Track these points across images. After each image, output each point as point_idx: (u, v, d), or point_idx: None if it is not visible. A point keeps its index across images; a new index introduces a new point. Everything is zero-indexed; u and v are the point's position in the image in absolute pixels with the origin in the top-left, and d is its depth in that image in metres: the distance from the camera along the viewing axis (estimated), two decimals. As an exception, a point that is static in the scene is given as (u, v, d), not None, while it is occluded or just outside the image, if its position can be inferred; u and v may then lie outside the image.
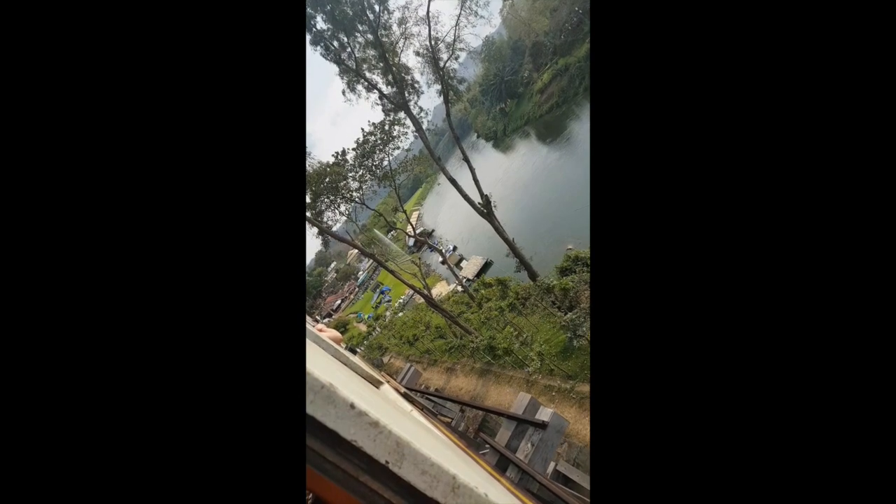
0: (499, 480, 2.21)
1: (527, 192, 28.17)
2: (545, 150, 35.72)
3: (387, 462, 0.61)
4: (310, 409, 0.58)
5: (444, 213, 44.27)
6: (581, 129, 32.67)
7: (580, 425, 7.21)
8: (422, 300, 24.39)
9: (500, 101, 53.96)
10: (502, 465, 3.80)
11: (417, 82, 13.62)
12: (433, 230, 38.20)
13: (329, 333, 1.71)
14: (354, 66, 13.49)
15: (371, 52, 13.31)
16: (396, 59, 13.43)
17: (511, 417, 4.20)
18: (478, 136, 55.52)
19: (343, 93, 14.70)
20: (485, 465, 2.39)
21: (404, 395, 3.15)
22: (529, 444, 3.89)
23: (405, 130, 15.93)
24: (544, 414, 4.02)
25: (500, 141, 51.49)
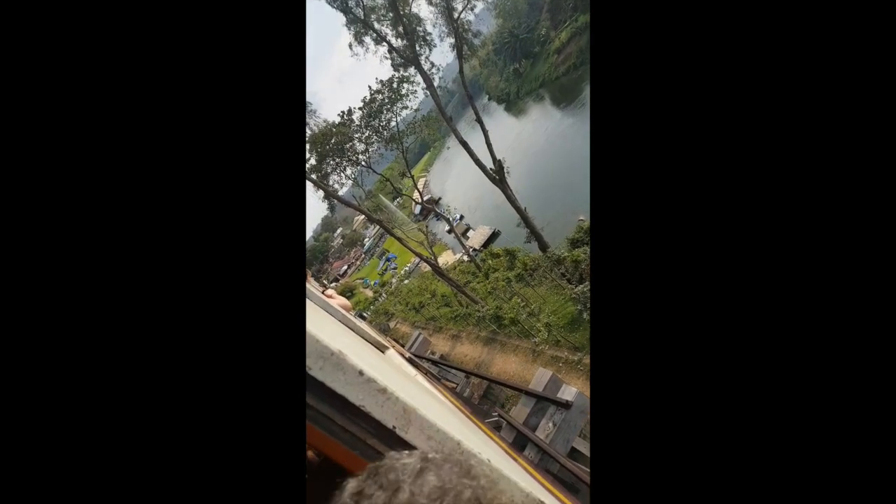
0: (509, 454, 2.12)
1: (538, 160, 27.24)
2: (559, 115, 34.24)
3: (394, 427, 0.63)
4: (319, 376, 0.61)
5: (451, 180, 43.36)
6: (598, 93, 30.98)
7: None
8: (427, 268, 24.28)
9: (515, 61, 51.31)
10: (520, 443, 3.59)
11: (429, 34, 12.67)
12: (440, 198, 37.55)
13: (338, 301, 1.67)
14: (362, 16, 12.53)
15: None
16: (407, 9, 12.43)
17: (530, 394, 3.96)
18: (489, 98, 53.31)
19: (350, 46, 13.79)
20: (488, 431, 2.39)
21: (409, 360, 3.19)
22: (551, 424, 3.66)
23: (414, 89, 15.11)
24: (568, 393, 3.74)
25: (513, 104, 49.41)
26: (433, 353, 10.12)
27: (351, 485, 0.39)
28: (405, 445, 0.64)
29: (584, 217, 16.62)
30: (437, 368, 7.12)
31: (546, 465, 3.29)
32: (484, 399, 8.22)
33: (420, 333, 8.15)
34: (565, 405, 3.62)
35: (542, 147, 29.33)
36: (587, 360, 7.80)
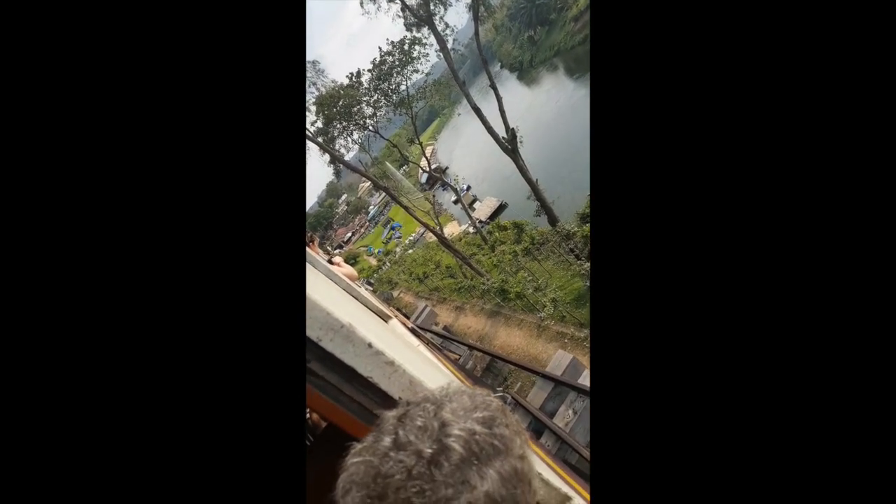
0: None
1: (549, 132, 26.44)
2: (572, 86, 32.97)
3: (400, 398, 0.63)
4: (329, 347, 0.62)
5: (459, 149, 42.43)
6: (615, 64, 29.65)
7: (592, 373, 7.16)
8: (432, 238, 24.14)
9: (529, 28, 48.91)
10: (535, 429, 3.43)
11: (446, -10, 11.92)
12: (447, 167, 36.85)
13: (345, 270, 1.66)
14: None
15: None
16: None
17: (548, 377, 3.79)
18: (501, 66, 51.28)
19: (361, 4, 13.04)
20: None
21: (411, 331, 3.19)
22: (571, 412, 3.48)
23: (426, 52, 14.44)
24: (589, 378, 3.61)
25: (526, 72, 47.56)
26: (436, 325, 10.14)
27: (390, 413, 0.41)
28: None
29: (595, 193, 16.25)
30: (441, 340, 7.07)
31: (564, 454, 3.13)
32: (486, 372, 8.29)
33: (427, 305, 8.03)
34: (587, 392, 3.42)
35: (552, 119, 28.44)
36: (593, 336, 7.80)
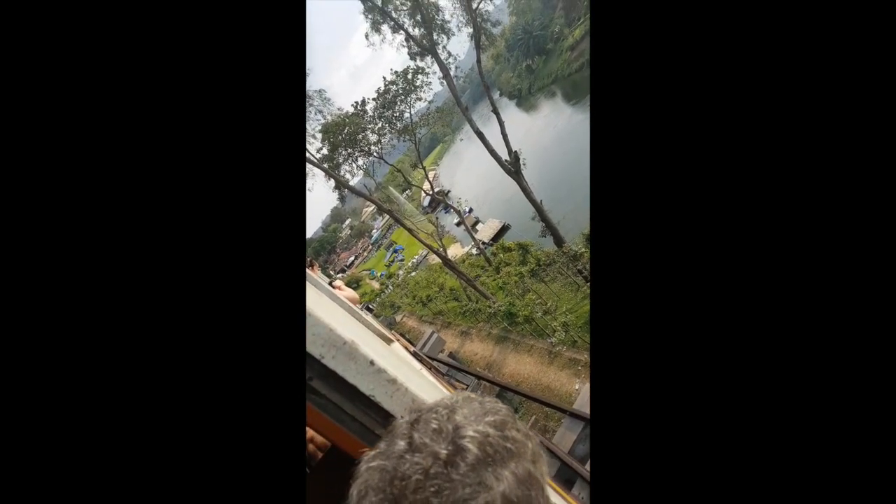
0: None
1: (548, 155, 26.80)
2: (570, 111, 33.70)
3: (402, 417, 0.65)
4: (332, 364, 0.61)
5: (460, 174, 42.98)
6: (612, 90, 30.37)
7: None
8: (435, 260, 24.01)
9: (527, 58, 50.59)
10: (567, 478, 2.84)
11: (448, 21, 12.32)
12: (449, 190, 37.23)
13: (346, 293, 1.62)
14: (380, 2, 12.22)
15: (398, -13, 11.99)
16: (425, -2, 12.09)
17: (577, 416, 3.23)
18: (500, 94, 52.67)
19: (366, 36, 13.48)
20: None
21: (414, 354, 3.13)
22: None
23: (429, 81, 14.80)
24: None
25: (525, 100, 48.81)
26: (442, 351, 9.80)
27: (402, 420, 0.41)
28: None
29: (598, 215, 16.22)
30: (449, 369, 6.72)
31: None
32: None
33: (433, 331, 7.66)
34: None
35: (551, 143, 28.88)
36: (607, 360, 7.51)
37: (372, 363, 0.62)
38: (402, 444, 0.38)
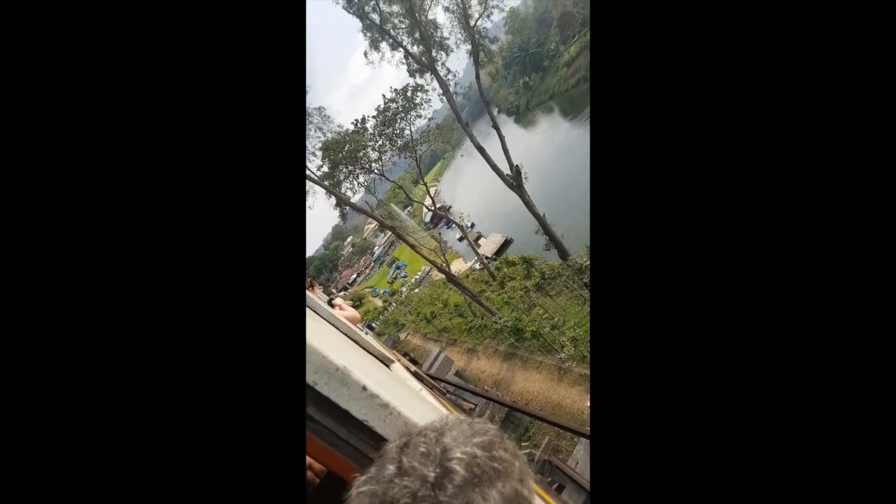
0: None
1: (546, 170, 26.83)
2: (567, 126, 34.02)
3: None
4: (325, 390, 0.63)
5: (461, 189, 43.17)
6: (609, 104, 30.69)
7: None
8: (438, 276, 23.78)
9: (524, 75, 51.53)
10: None
11: (447, 38, 12.47)
12: (450, 206, 37.35)
13: (348, 312, 1.61)
14: (379, 21, 12.40)
15: (397, 6, 12.17)
16: (424, 16, 12.27)
17: None
18: (498, 111, 53.43)
19: (365, 54, 13.65)
20: None
21: (414, 374, 3.15)
22: None
23: (428, 98, 14.94)
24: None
25: (522, 116, 49.45)
26: (459, 375, 9.41)
27: (393, 443, 0.42)
28: None
29: (602, 227, 16.09)
30: (457, 389, 6.40)
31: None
32: (506, 422, 7.61)
33: (441, 351, 7.31)
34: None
35: (550, 158, 29.01)
36: (620, 376, 7.21)
37: (364, 388, 0.63)
38: (391, 468, 0.39)
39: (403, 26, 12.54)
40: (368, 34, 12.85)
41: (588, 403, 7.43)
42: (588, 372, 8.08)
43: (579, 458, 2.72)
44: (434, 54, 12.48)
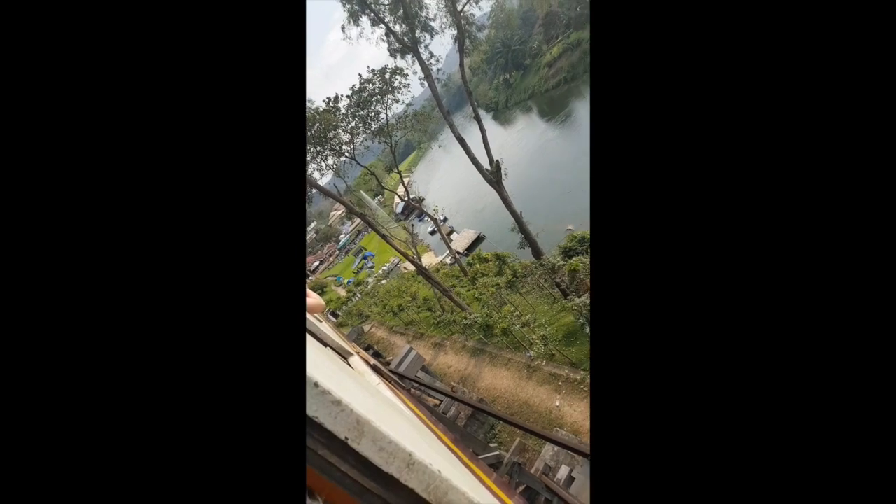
0: (464, 462, 1.93)
1: (521, 169, 26.93)
2: (544, 127, 34.32)
3: (346, 438, 0.64)
4: None
5: (434, 183, 42.66)
6: (584, 109, 31.29)
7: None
8: (407, 269, 23.24)
9: (505, 72, 51.48)
10: None
11: (432, 19, 11.88)
12: (423, 198, 36.77)
13: (312, 300, 1.59)
14: (360, -8, 11.62)
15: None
16: (409, -7, 11.61)
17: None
18: (477, 106, 53.15)
19: (343, 29, 12.79)
20: (444, 437, 2.30)
21: (373, 368, 2.96)
22: None
23: (407, 83, 14.32)
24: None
25: (501, 113, 49.50)
26: (427, 371, 8.98)
27: None
28: (356, 456, 0.66)
29: (573, 227, 16.26)
30: (419, 386, 6.01)
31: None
32: (471, 420, 7.34)
33: (411, 348, 6.82)
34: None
35: (525, 158, 29.08)
36: (591, 379, 7.11)
37: (316, 385, 0.63)
38: None
39: (386, 2, 11.83)
40: (348, 5, 12.02)
41: (556, 403, 7.29)
42: (557, 371, 7.95)
43: (579, 481, 2.41)
44: (417, 35, 11.88)
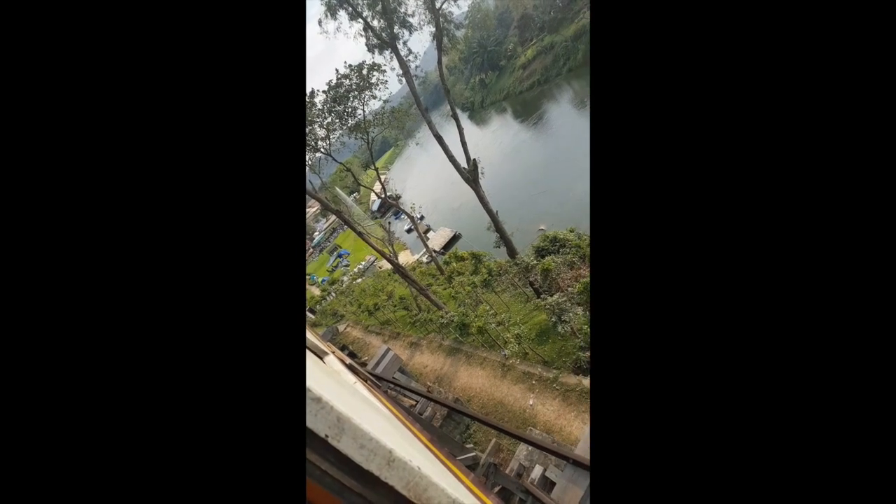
0: (441, 460, 1.90)
1: (494, 170, 27.26)
2: (517, 128, 34.76)
3: (326, 436, 0.64)
4: None
5: (410, 181, 42.43)
6: (556, 111, 31.95)
7: (564, 420, 6.57)
8: (383, 268, 23.00)
9: (481, 72, 51.77)
10: None
11: (411, 15, 11.79)
12: (399, 196, 36.53)
13: None
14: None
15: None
16: (387, -11, 11.48)
17: (582, 465, 2.43)
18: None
19: (319, 22, 12.50)
20: (420, 435, 2.21)
21: (349, 367, 2.94)
22: None
23: (385, 79, 14.18)
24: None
25: (476, 112, 49.79)
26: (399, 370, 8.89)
27: None
28: (336, 454, 0.66)
29: (545, 227, 16.57)
30: (397, 386, 5.96)
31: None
32: (447, 421, 7.38)
33: (389, 349, 6.70)
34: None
35: (499, 158, 29.36)
36: (564, 378, 7.29)
37: None
38: None
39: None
40: (325, -1, 11.76)
41: (530, 402, 7.44)
42: (530, 370, 8.11)
43: (559, 488, 2.40)
44: (396, 31, 11.77)
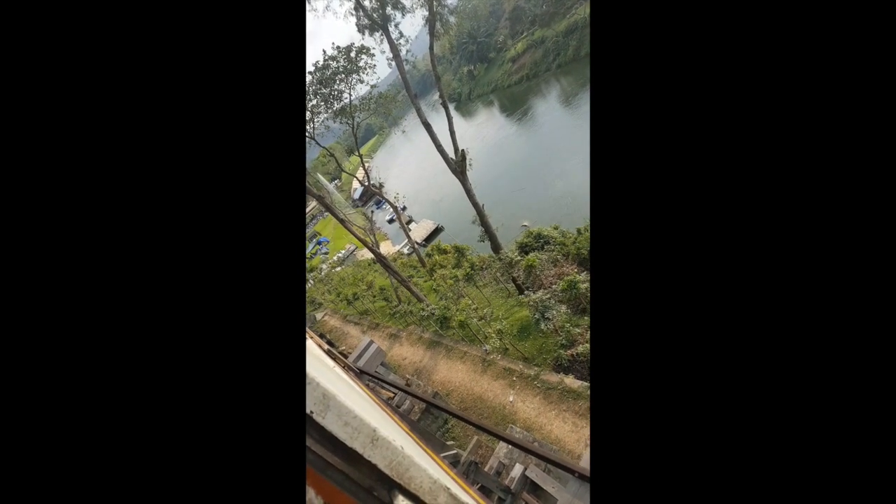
0: (420, 445, 1.93)
1: (478, 163, 27.19)
2: (503, 122, 34.68)
3: (311, 412, 0.65)
4: None
5: (395, 170, 41.81)
6: (543, 106, 31.98)
7: (544, 419, 6.57)
8: (363, 257, 22.60)
9: (470, 63, 51.23)
10: None
11: (403, -2, 11.37)
12: (383, 184, 35.95)
13: None
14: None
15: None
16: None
17: (587, 479, 2.21)
18: (440, 96, 52.56)
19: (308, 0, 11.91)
20: (399, 421, 2.19)
21: (328, 353, 2.91)
22: None
23: (373, 63, 13.73)
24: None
25: (463, 104, 49.38)
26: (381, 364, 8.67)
27: None
28: (321, 431, 0.66)
29: (528, 223, 16.62)
30: (376, 379, 5.76)
31: None
32: (426, 414, 7.27)
33: (372, 341, 6.43)
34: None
35: (484, 151, 29.22)
36: (545, 376, 7.28)
37: None
38: None
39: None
40: (313, -27, 11.17)
41: (510, 398, 7.42)
42: (511, 366, 8.08)
43: (501, 455, 2.29)
44: (388, 12, 11.34)
